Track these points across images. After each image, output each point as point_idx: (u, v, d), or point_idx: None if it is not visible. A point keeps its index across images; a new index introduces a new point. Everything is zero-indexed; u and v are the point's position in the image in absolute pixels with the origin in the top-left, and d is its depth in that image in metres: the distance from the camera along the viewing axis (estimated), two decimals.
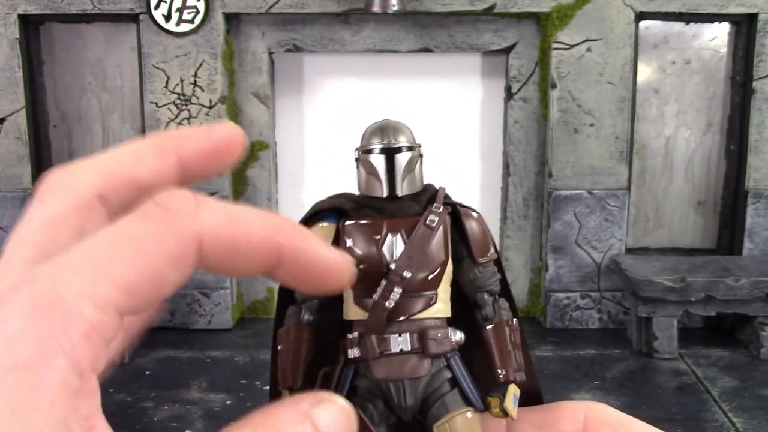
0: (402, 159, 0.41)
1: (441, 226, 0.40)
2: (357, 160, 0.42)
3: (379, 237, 0.40)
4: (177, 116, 4.08)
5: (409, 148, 0.42)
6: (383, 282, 0.39)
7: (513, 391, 0.39)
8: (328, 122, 4.32)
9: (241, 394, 3.43)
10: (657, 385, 3.53)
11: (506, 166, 4.32)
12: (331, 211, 0.42)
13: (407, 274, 0.39)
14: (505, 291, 0.43)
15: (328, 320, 0.42)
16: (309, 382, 0.40)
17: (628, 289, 3.96)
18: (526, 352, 0.42)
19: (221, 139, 0.31)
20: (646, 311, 3.80)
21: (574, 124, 4.07)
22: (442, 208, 0.41)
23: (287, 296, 0.43)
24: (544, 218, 4.24)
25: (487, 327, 0.41)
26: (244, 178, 4.27)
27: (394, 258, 0.40)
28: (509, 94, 4.22)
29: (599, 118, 4.07)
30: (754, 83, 4.02)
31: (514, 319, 0.41)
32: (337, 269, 0.30)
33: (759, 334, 3.78)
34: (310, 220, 0.42)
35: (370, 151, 0.42)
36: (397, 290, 0.39)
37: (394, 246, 0.40)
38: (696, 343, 3.97)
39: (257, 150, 4.25)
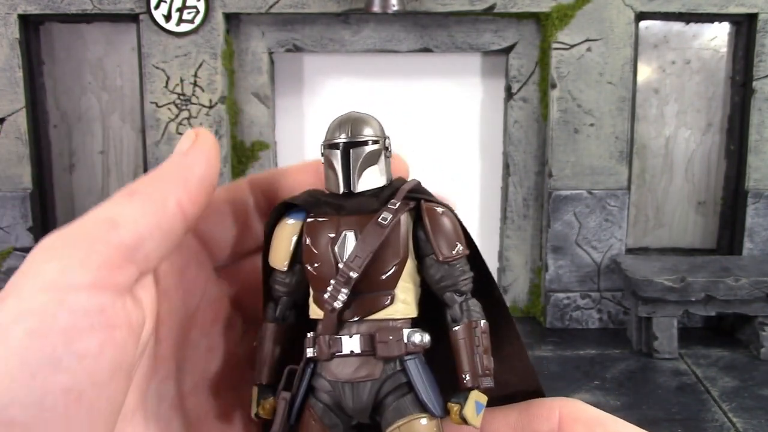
0: (359, 153, 0.40)
1: (398, 224, 0.39)
2: (322, 154, 0.41)
3: (333, 235, 0.39)
4: (177, 116, 4.08)
5: (373, 141, 0.40)
6: (332, 282, 0.38)
7: (475, 398, 0.37)
8: (328, 122, 4.31)
9: None
10: (657, 385, 3.53)
11: (506, 166, 4.32)
12: (298, 207, 0.41)
13: (353, 275, 0.37)
14: (492, 289, 0.41)
15: (303, 318, 0.41)
16: (278, 379, 0.40)
17: (628, 289, 3.96)
18: (524, 353, 0.40)
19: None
20: (646, 311, 3.80)
21: (574, 124, 4.07)
22: (399, 204, 0.39)
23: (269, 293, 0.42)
24: (544, 218, 4.24)
25: (454, 328, 0.39)
26: None
27: (345, 257, 0.38)
28: (509, 94, 4.22)
29: (599, 118, 4.07)
30: (754, 83, 4.02)
31: (483, 322, 0.39)
32: None
33: (759, 334, 3.78)
34: (280, 216, 0.41)
35: (330, 146, 0.41)
36: (344, 291, 0.37)
37: (347, 244, 0.39)
38: (696, 343, 3.97)
39: (257, 150, 4.25)
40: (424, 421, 0.37)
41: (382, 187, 0.40)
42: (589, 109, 4.06)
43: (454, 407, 0.37)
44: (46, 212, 4.26)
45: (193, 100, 4.06)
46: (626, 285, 3.95)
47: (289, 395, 0.39)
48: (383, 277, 0.38)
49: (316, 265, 0.39)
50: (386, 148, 0.41)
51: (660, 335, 3.80)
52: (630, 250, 4.28)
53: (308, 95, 4.39)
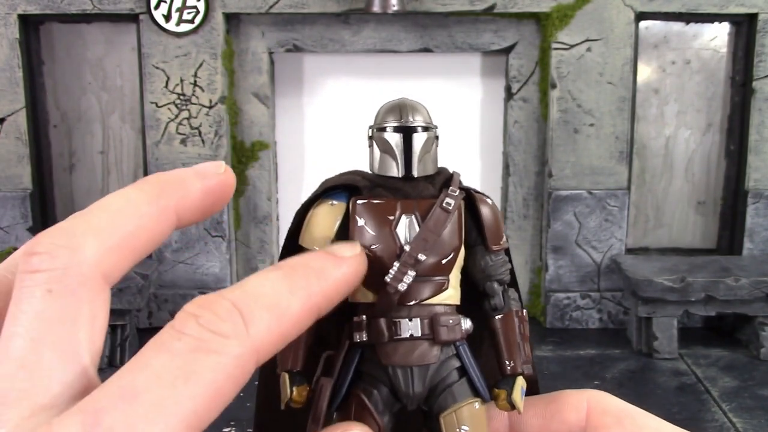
0: (419, 139, 0.40)
1: (456, 211, 0.39)
2: (371, 137, 0.41)
3: (392, 217, 0.39)
4: (177, 116, 4.08)
5: (426, 129, 0.41)
6: (396, 264, 0.38)
7: (521, 384, 0.38)
8: (328, 122, 4.32)
9: (241, 394, 3.41)
10: (657, 385, 3.53)
11: (506, 166, 4.32)
12: (342, 189, 0.40)
13: (422, 257, 0.38)
14: (513, 281, 0.42)
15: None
16: (309, 366, 0.39)
17: (628, 289, 3.96)
18: (531, 349, 0.41)
19: (215, 184, 0.32)
20: (646, 311, 3.80)
21: (574, 124, 4.07)
22: (458, 191, 0.40)
23: None
24: (544, 218, 4.24)
25: (497, 317, 0.40)
26: (244, 178, 4.27)
27: (408, 240, 0.38)
28: (509, 94, 4.22)
29: (599, 118, 4.07)
30: (754, 83, 4.02)
31: (524, 311, 0.40)
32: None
33: (759, 334, 3.78)
34: (319, 197, 0.41)
35: (385, 129, 0.40)
36: (411, 273, 0.37)
37: (408, 228, 0.39)
38: (696, 343, 3.97)
39: (257, 150, 4.25)
40: (477, 405, 0.38)
41: (434, 174, 0.41)
42: (589, 109, 4.06)
43: (502, 393, 0.38)
44: (46, 212, 4.26)
45: (193, 100, 4.06)
46: (626, 285, 3.95)
47: (332, 381, 0.38)
48: (443, 261, 0.39)
49: (373, 246, 0.38)
50: (436, 137, 0.42)
51: (660, 335, 3.80)
52: (630, 250, 4.28)
53: (308, 95, 4.39)
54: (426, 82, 4.33)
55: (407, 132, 0.40)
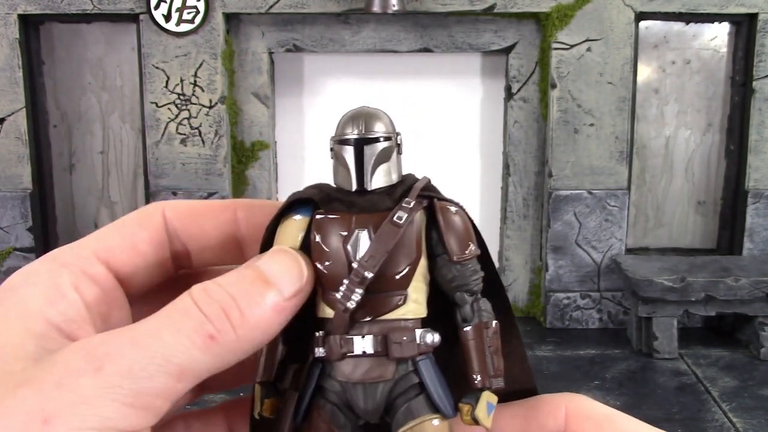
0: (373, 150, 0.39)
1: (412, 222, 0.38)
2: (331, 149, 0.40)
3: (345, 233, 0.38)
4: (177, 116, 4.08)
5: (385, 138, 0.39)
6: (345, 281, 0.37)
7: (487, 399, 0.37)
8: (328, 122, 4.32)
9: (241, 394, 3.42)
10: (657, 385, 3.53)
11: (506, 166, 4.32)
12: (306, 203, 0.40)
13: (368, 275, 0.37)
14: (498, 289, 0.40)
15: (308, 316, 0.40)
16: (280, 378, 0.39)
17: (628, 289, 3.96)
18: (521, 350, 0.40)
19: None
20: (646, 311, 3.80)
21: (574, 124, 4.07)
22: (413, 202, 0.38)
23: None
24: (544, 218, 4.24)
25: (465, 329, 0.38)
26: (244, 178, 4.27)
27: (359, 256, 0.37)
28: (509, 94, 4.22)
29: (599, 118, 4.07)
30: (754, 83, 4.02)
31: (494, 322, 0.39)
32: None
33: (759, 334, 3.78)
34: (285, 211, 0.40)
35: (340, 141, 0.40)
36: (358, 291, 0.37)
37: (360, 243, 0.37)
38: (696, 343, 3.97)
39: (257, 150, 4.25)
40: (435, 422, 0.37)
41: (395, 184, 0.40)
42: (589, 109, 4.06)
43: (465, 408, 0.37)
44: (46, 212, 4.26)
45: (193, 100, 4.06)
46: (626, 285, 3.95)
47: (296, 395, 0.38)
48: (397, 276, 0.37)
49: (327, 263, 0.38)
50: (398, 145, 0.40)
51: (660, 335, 3.80)
52: (630, 250, 4.28)
53: (308, 95, 4.39)
54: (426, 82, 4.33)
55: (359, 144, 0.39)
